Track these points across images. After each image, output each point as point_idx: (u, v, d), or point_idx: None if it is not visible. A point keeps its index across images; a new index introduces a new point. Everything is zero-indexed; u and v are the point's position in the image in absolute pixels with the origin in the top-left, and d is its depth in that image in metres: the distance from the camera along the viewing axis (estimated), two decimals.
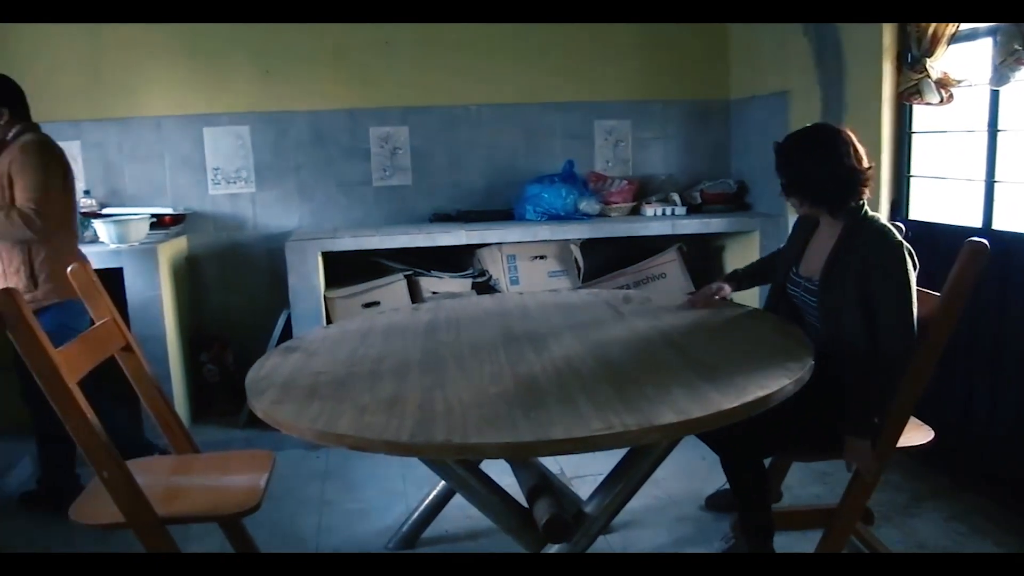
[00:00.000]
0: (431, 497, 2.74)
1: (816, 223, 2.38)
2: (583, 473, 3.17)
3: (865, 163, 2.20)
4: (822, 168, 2.19)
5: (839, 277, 2.19)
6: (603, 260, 4.15)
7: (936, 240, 2.99)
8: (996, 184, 2.85)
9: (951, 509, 2.83)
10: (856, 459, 2.16)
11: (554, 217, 3.99)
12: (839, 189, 2.19)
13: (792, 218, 3.83)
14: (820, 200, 2.24)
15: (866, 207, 2.24)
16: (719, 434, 2.09)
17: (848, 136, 2.21)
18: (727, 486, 2.86)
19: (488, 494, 2.06)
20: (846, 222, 2.22)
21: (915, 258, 2.15)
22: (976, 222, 2.91)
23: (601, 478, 2.12)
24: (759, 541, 2.27)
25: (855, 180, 2.18)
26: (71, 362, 1.90)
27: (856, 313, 2.14)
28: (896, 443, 2.21)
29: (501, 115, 4.30)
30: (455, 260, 4.10)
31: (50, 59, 3.89)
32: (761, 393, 1.74)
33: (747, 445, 2.21)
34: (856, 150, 2.19)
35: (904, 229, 2.53)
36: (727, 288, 2.64)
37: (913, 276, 2.12)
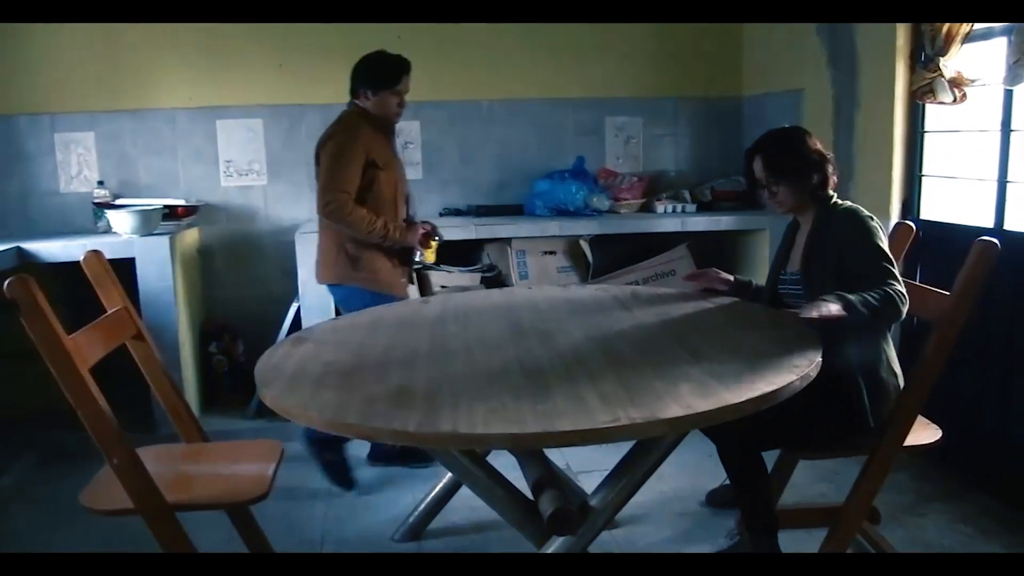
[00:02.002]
0: (437, 489, 2.75)
1: (796, 227, 2.47)
2: (589, 468, 3.17)
3: (825, 150, 2.37)
4: (802, 152, 2.34)
5: (818, 262, 2.29)
6: (613, 256, 4.15)
7: (947, 240, 2.98)
8: (1008, 184, 2.84)
9: (958, 510, 2.82)
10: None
11: (564, 213, 3.99)
12: (818, 172, 2.34)
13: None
14: (805, 184, 2.34)
15: (835, 197, 2.36)
16: (718, 426, 2.10)
17: (804, 129, 2.41)
18: (727, 481, 2.87)
19: (494, 486, 2.06)
20: (817, 212, 2.35)
21: (882, 227, 2.25)
22: (988, 222, 2.90)
23: (607, 473, 2.12)
24: (763, 538, 2.27)
25: (827, 164, 2.35)
26: (83, 349, 1.92)
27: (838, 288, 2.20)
28: (903, 442, 2.21)
29: (512, 111, 4.31)
30: (464, 254, 4.10)
31: (66, 51, 3.92)
32: (768, 389, 1.74)
33: (744, 438, 2.22)
34: (817, 142, 2.37)
35: (915, 228, 2.53)
36: (729, 280, 2.63)
37: (885, 241, 2.21)
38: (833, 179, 2.37)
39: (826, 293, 2.17)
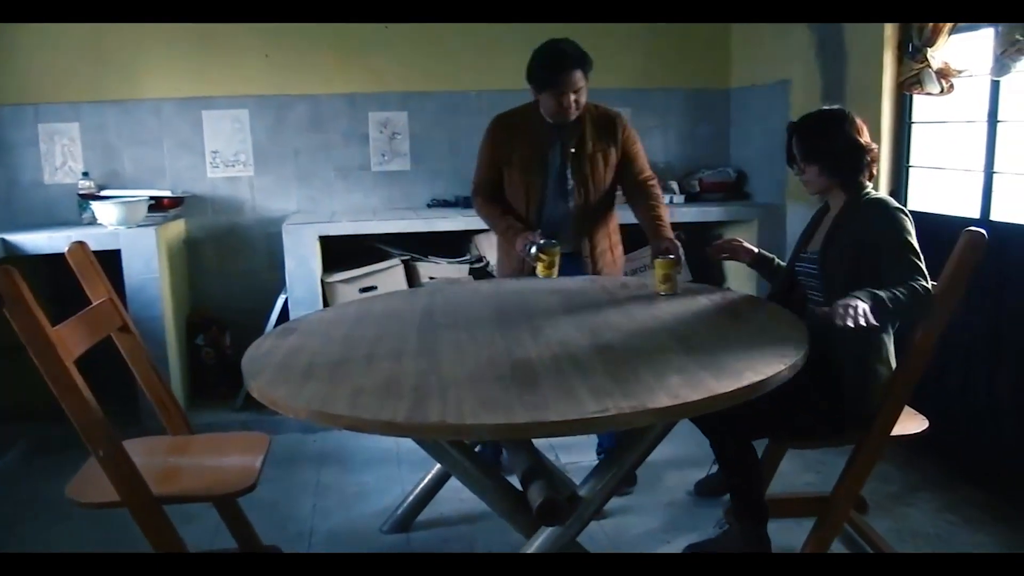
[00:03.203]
0: (426, 480, 2.75)
1: (826, 211, 2.44)
2: (577, 459, 3.18)
3: (872, 143, 2.32)
4: (840, 139, 2.30)
5: (837, 245, 2.28)
6: None
7: (934, 230, 2.98)
8: (995, 175, 2.85)
9: (944, 499, 2.84)
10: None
11: None
12: (853, 160, 2.30)
13: (791, 208, 3.84)
14: (836, 170, 2.31)
15: (869, 187, 2.32)
16: (710, 415, 2.10)
17: (854, 117, 2.32)
18: (713, 471, 2.88)
19: (482, 477, 2.06)
20: (848, 197, 2.32)
21: (912, 221, 2.22)
22: (974, 213, 2.91)
23: (595, 463, 2.13)
24: (752, 527, 2.28)
25: (866, 155, 2.30)
26: (67, 341, 1.90)
27: (852, 282, 2.18)
28: (891, 432, 2.22)
29: (501, 101, 4.23)
30: (452, 245, 4.10)
31: (51, 41, 3.88)
32: (756, 378, 1.74)
33: (736, 427, 2.22)
34: (864, 130, 2.32)
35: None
36: (752, 251, 2.60)
37: (913, 233, 2.19)
38: (870, 170, 2.32)
39: (840, 277, 2.22)
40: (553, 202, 2.96)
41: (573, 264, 2.97)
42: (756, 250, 2.61)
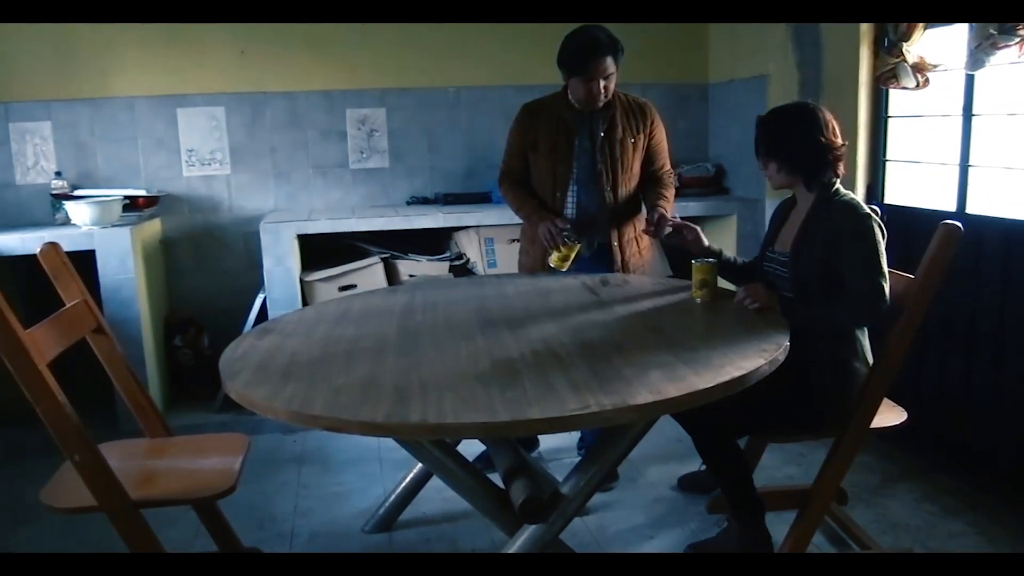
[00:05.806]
0: (407, 480, 2.73)
1: (792, 205, 2.42)
2: (560, 456, 3.18)
3: (839, 140, 2.28)
4: (799, 137, 2.26)
5: (808, 247, 2.25)
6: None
7: (911, 224, 3.01)
8: (970, 168, 2.87)
9: (923, 489, 2.87)
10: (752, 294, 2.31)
11: None
12: (813, 159, 2.26)
13: (769, 203, 3.85)
14: (795, 167, 2.29)
15: (838, 184, 2.30)
16: (692, 415, 2.10)
17: (825, 114, 2.28)
18: (700, 467, 2.88)
19: (464, 475, 2.05)
20: (817, 196, 2.29)
21: (884, 228, 2.20)
22: (950, 206, 2.94)
23: (577, 460, 2.12)
24: (750, 520, 2.29)
25: (828, 153, 2.26)
26: (41, 344, 1.87)
27: (823, 282, 2.21)
28: (870, 424, 2.23)
29: (479, 97, 4.28)
30: (432, 243, 4.08)
31: (19, 37, 3.82)
32: (737, 373, 1.75)
33: (718, 423, 2.22)
34: (832, 128, 2.27)
35: (880, 212, 2.55)
36: (701, 241, 2.58)
37: (882, 244, 2.17)
38: (838, 169, 2.27)
39: (812, 279, 2.22)
40: (584, 189, 2.92)
41: (602, 253, 2.94)
42: (707, 244, 2.58)
